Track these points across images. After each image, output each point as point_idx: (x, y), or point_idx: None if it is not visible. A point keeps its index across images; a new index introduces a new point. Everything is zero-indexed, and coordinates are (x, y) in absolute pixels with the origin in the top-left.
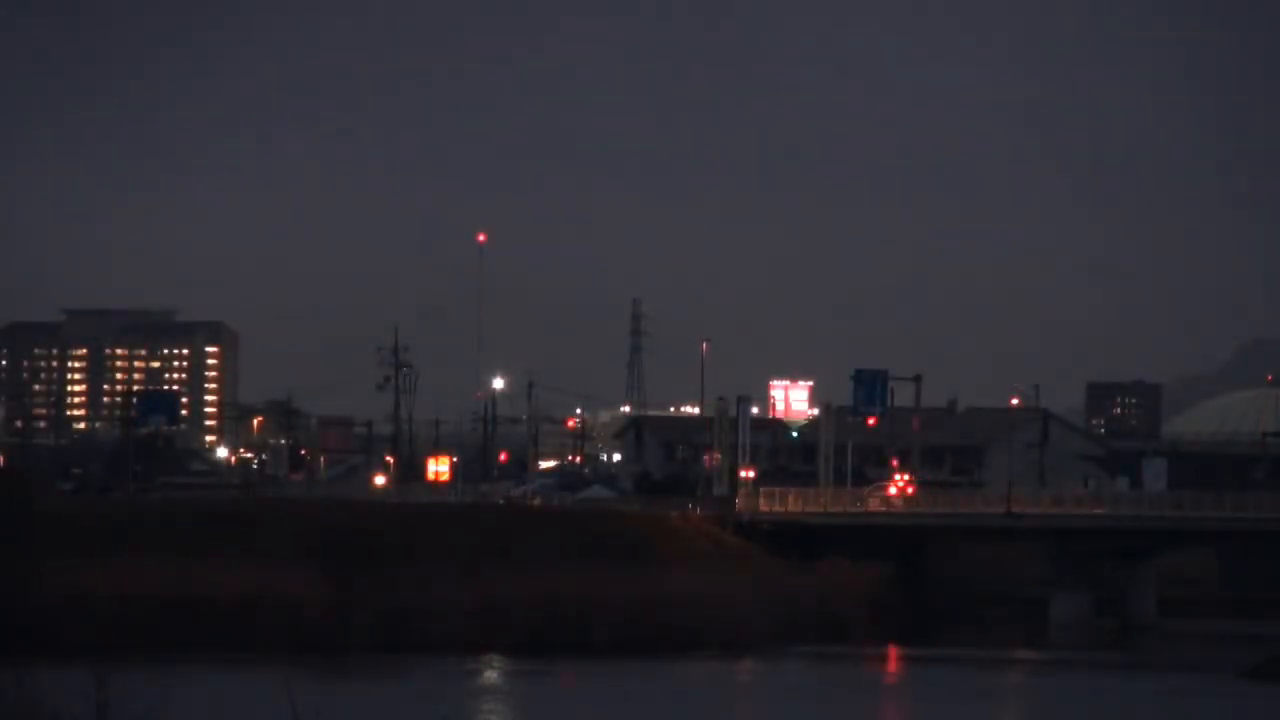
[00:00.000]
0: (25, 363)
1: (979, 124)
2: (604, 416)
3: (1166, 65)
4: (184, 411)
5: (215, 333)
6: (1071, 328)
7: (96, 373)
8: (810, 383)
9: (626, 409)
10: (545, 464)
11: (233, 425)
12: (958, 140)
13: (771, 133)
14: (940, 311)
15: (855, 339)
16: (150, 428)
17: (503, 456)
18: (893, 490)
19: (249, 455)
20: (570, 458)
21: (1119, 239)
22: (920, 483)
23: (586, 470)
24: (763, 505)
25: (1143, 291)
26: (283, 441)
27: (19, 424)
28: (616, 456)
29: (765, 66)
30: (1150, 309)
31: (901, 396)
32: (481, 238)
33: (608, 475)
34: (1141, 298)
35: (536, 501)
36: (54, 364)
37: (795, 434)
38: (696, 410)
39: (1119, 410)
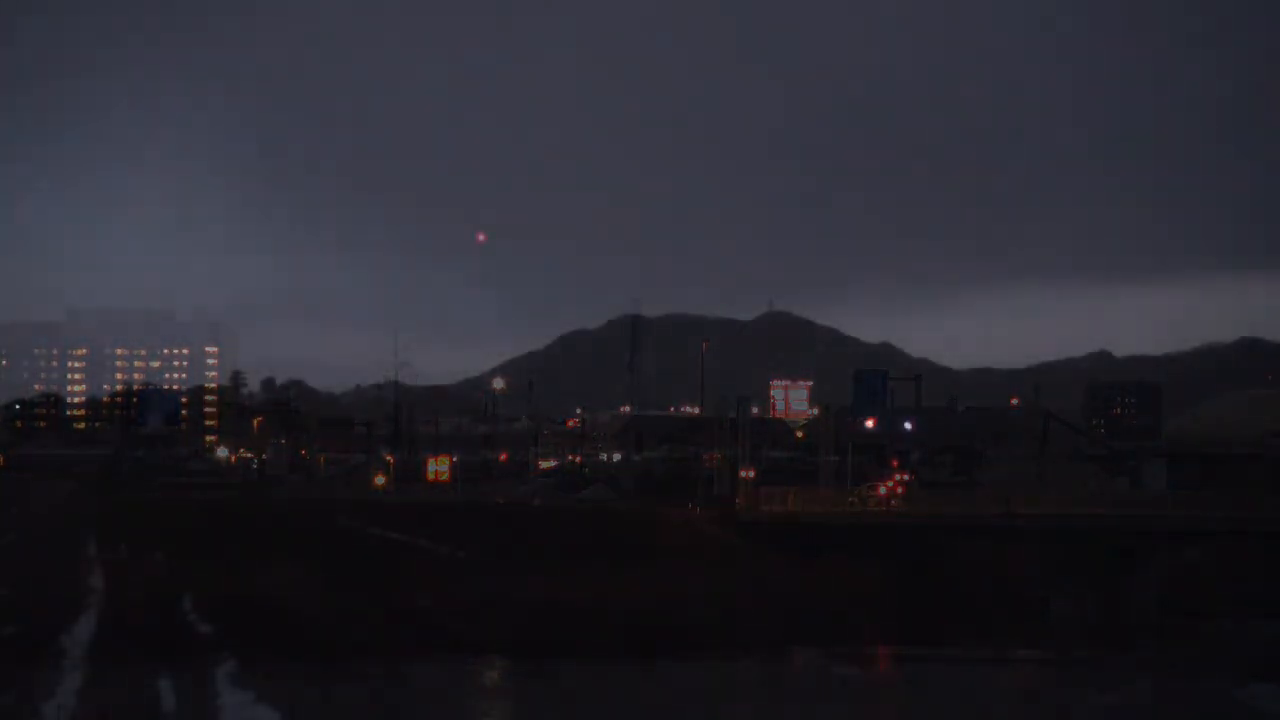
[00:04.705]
0: (25, 363)
1: (976, 123)
2: (604, 416)
3: (1165, 64)
4: (184, 411)
5: (215, 333)
6: (1071, 327)
7: (96, 373)
8: (810, 383)
9: (626, 409)
10: (545, 464)
11: (232, 425)
12: (956, 139)
13: (772, 132)
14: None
15: (854, 337)
16: (150, 428)
17: (503, 456)
18: (883, 490)
19: (249, 455)
20: (570, 458)
21: (1119, 238)
22: (920, 483)
23: (586, 470)
24: (763, 505)
25: (1143, 291)
26: (283, 441)
27: (19, 424)
28: (616, 456)
29: (765, 66)
30: (1150, 308)
31: (901, 397)
32: (481, 237)
33: (608, 475)
34: (1142, 297)
35: (536, 501)
36: (54, 364)
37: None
38: (697, 410)
39: (1119, 410)
